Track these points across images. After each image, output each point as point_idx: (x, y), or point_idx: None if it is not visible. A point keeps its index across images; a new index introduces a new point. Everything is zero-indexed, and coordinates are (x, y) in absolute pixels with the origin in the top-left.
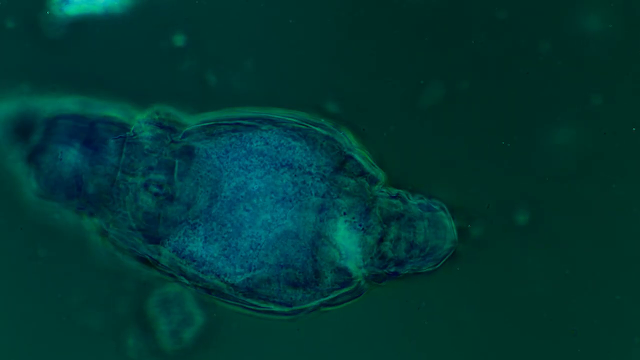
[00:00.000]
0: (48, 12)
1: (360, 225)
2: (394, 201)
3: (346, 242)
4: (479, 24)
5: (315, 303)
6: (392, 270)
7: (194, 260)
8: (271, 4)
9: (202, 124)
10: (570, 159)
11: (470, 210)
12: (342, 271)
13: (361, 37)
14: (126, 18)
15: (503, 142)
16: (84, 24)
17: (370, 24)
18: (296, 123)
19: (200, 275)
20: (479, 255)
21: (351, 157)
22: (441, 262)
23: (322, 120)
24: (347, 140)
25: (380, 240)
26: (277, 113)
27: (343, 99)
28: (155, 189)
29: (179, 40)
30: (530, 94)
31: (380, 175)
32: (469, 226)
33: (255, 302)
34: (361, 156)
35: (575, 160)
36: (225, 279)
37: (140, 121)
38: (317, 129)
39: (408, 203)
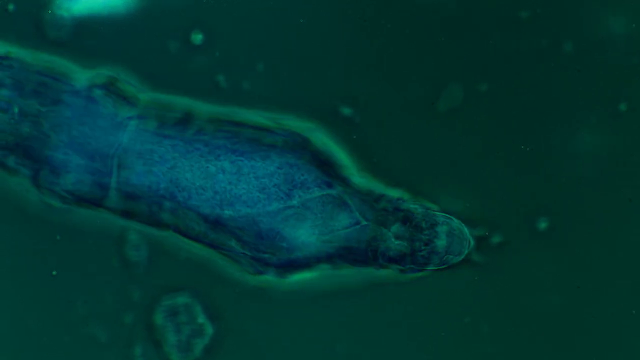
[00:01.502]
0: (50, 12)
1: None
2: (405, 205)
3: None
4: (499, 24)
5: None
6: (382, 262)
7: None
8: (280, 3)
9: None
10: (593, 166)
11: (489, 217)
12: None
13: (374, 37)
14: (131, 18)
15: (522, 147)
16: (86, 24)
17: (384, 24)
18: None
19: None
20: (497, 263)
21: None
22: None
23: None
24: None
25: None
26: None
27: (357, 101)
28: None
29: (184, 41)
30: (552, 97)
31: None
32: (487, 233)
33: (217, 239)
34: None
35: (597, 167)
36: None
37: (92, 85)
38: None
39: (410, 206)
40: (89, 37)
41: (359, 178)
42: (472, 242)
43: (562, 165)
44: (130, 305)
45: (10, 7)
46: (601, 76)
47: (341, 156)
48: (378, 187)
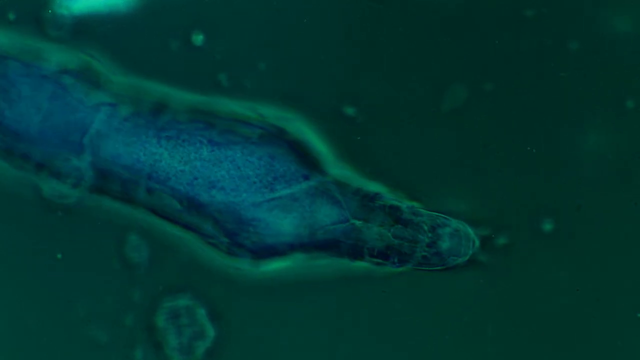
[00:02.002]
0: (50, 11)
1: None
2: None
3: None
4: (503, 22)
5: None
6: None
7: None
8: (283, 2)
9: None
10: (599, 166)
11: (494, 218)
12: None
13: (378, 37)
14: (131, 17)
15: (529, 148)
16: (87, 23)
17: (387, 23)
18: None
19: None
20: (501, 265)
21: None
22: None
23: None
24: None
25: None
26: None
27: (360, 101)
28: None
29: (186, 40)
30: (557, 97)
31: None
32: (493, 235)
33: (192, 221)
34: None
35: (603, 167)
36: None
37: (62, 71)
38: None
39: (405, 206)
40: (90, 36)
41: (338, 169)
42: (477, 243)
43: (568, 166)
44: (130, 307)
45: (11, 16)
46: (607, 75)
47: (320, 147)
48: (357, 178)
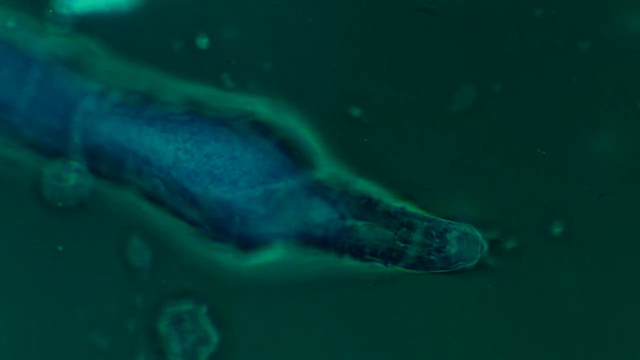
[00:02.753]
0: (51, 10)
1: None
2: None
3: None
4: (512, 22)
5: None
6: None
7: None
8: (288, 1)
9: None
10: (609, 168)
11: (503, 222)
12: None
13: (385, 37)
14: (134, 16)
15: (538, 150)
16: (88, 23)
17: (395, 23)
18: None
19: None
20: (510, 268)
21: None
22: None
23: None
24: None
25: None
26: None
27: (366, 103)
28: None
29: (189, 41)
30: (567, 97)
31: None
32: (502, 239)
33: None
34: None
35: (613, 169)
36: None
37: (54, 59)
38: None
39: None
40: (91, 36)
41: (339, 169)
42: (486, 246)
43: (578, 168)
44: (133, 312)
45: (10, 24)
46: (618, 75)
47: (322, 146)
48: (360, 179)
